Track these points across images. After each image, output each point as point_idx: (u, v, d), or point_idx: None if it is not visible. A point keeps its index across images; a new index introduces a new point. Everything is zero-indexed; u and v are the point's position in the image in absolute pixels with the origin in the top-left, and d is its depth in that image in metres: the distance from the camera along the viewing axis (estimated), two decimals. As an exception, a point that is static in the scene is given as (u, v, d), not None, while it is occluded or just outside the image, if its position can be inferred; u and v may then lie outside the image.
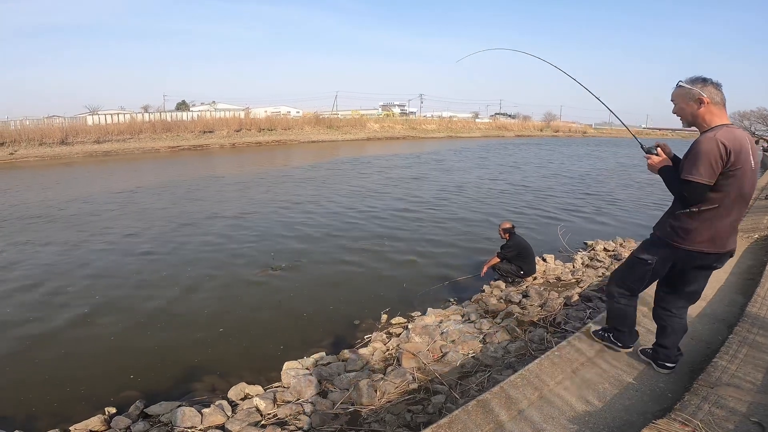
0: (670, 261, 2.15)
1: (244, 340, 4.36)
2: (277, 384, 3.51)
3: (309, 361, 3.82)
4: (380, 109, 74.83)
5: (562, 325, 3.85)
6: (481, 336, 3.92)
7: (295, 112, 53.59)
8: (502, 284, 5.44)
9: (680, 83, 2.07)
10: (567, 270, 5.85)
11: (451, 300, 5.21)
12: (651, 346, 2.47)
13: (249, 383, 3.49)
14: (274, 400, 3.20)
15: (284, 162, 21.01)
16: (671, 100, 2.13)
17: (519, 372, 2.20)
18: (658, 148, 2.18)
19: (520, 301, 4.72)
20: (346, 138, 38.36)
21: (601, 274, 5.58)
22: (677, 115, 2.12)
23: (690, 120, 2.07)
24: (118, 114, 33.53)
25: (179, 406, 3.20)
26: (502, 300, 4.89)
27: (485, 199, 11.68)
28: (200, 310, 4.98)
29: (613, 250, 6.76)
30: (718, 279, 3.73)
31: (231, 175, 15.86)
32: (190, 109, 46.47)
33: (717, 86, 2.01)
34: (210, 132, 30.50)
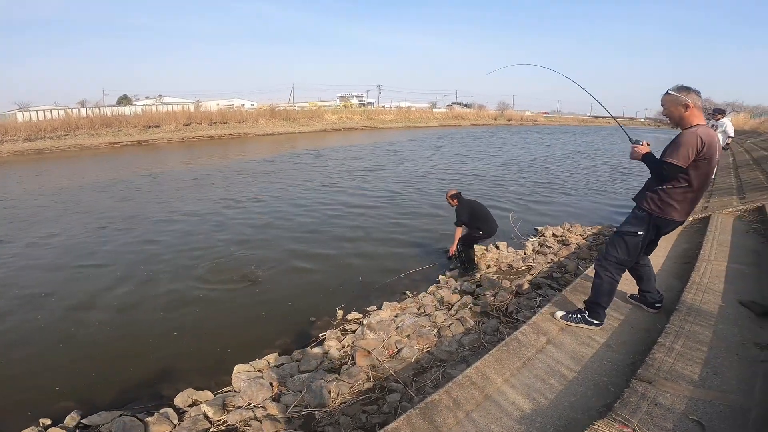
0: (652, 229, 2.58)
1: (193, 344, 4.15)
2: (227, 388, 3.37)
3: (261, 363, 3.69)
4: (338, 100, 73.91)
5: (514, 315, 3.90)
6: (436, 330, 3.91)
7: (249, 104, 51.89)
8: (457, 274, 5.48)
9: (669, 91, 2.53)
10: (519, 257, 5.98)
11: (408, 292, 5.17)
12: (638, 293, 3.06)
13: (197, 389, 3.33)
14: (224, 406, 3.07)
15: (237, 156, 20.21)
16: (661, 105, 2.58)
17: (466, 371, 2.17)
18: (642, 142, 2.68)
19: (473, 291, 4.76)
20: (303, 130, 37.52)
21: (550, 261, 5.74)
22: (666, 117, 2.58)
23: (677, 121, 2.52)
24: (51, 110, 31.04)
25: (121, 415, 3.03)
26: (456, 290, 4.92)
27: (439, 190, 11.77)
28: (143, 316, 4.70)
29: (561, 236, 7.00)
30: (655, 264, 3.83)
31: (178, 171, 15.03)
32: (134, 103, 43.83)
33: (698, 93, 2.48)
34: (156, 126, 28.81)
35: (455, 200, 5.67)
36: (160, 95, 53.77)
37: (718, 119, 8.34)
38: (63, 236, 7.48)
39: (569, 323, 2.77)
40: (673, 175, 2.44)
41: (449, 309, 4.41)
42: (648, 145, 2.68)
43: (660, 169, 2.48)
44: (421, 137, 33.38)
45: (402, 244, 7.06)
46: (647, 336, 2.57)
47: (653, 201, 2.56)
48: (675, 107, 2.50)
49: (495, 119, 72.64)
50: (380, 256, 6.49)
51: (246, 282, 5.53)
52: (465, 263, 5.59)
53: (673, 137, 2.55)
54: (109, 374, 3.70)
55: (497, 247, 6.40)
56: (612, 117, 3.46)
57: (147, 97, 54.35)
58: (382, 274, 5.78)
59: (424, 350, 3.61)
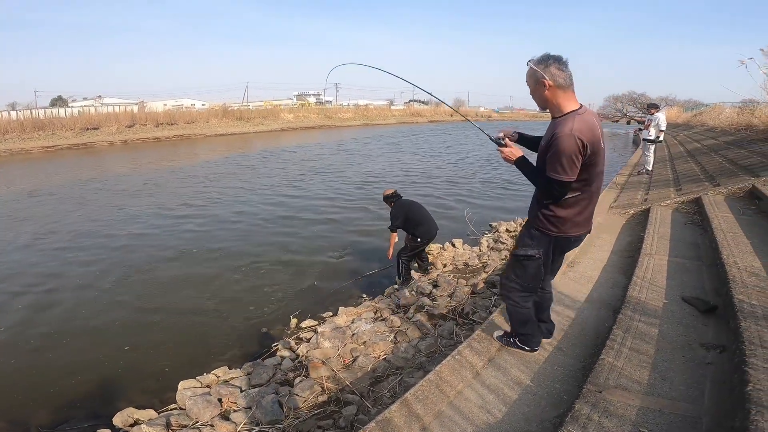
0: (555, 249, 2.14)
1: (135, 359, 3.92)
2: (172, 406, 3.18)
3: (209, 378, 3.50)
4: (295, 98, 72.75)
5: (470, 316, 3.88)
6: (392, 335, 3.83)
7: (200, 104, 50.01)
8: (414, 275, 5.41)
9: (528, 63, 1.93)
10: (474, 254, 6.01)
11: (364, 296, 5.08)
12: None
13: (139, 407, 3.13)
14: (168, 426, 2.87)
15: (183, 159, 19.19)
16: (526, 82, 2.00)
17: (420, 383, 2.08)
18: (505, 138, 2.14)
19: (430, 293, 4.72)
20: (259, 130, 36.51)
21: (504, 257, 5.81)
22: (532, 98, 2.02)
23: (541, 104, 1.99)
24: (-22, 114, 28.37)
25: (51, 438, 2.81)
26: (413, 292, 4.86)
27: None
28: (80, 330, 4.43)
29: (514, 231, 7.13)
30: (600, 258, 3.96)
31: (114, 176, 13.96)
32: (70, 104, 41.01)
33: (560, 66, 1.87)
34: (95, 129, 26.95)
35: (391, 203, 5.19)
36: (99, 96, 50.85)
37: (653, 113, 8.81)
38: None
39: (503, 344, 2.49)
40: (565, 191, 1.94)
41: (405, 312, 4.34)
42: (512, 138, 2.17)
43: (546, 186, 1.97)
44: (380, 135, 33.40)
45: (358, 245, 6.94)
46: (596, 338, 2.57)
47: (548, 219, 2.06)
48: (534, 86, 1.94)
49: (451, 116, 74.05)
50: (336, 259, 6.35)
51: (191, 292, 5.23)
52: (402, 277, 5.22)
53: (547, 133, 1.99)
54: (43, 392, 3.48)
55: (453, 245, 6.42)
56: (456, 111, 2.96)
57: (85, 98, 51.19)
58: (339, 278, 5.65)
59: (381, 358, 3.52)
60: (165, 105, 42.58)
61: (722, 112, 19.99)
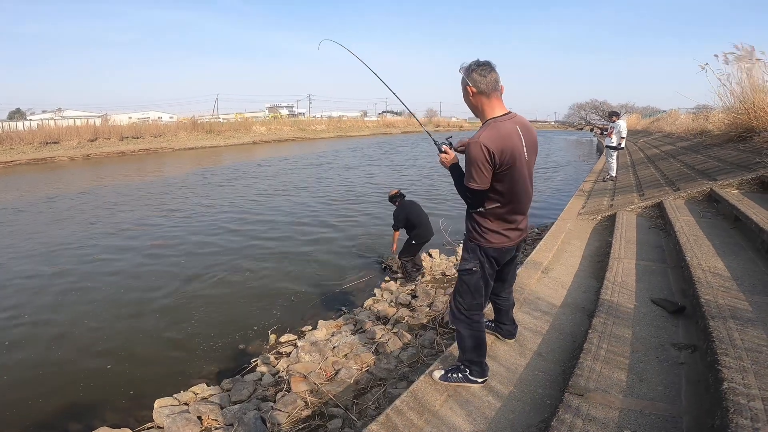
0: (489, 260, 2.06)
1: (108, 378, 3.81)
2: (149, 425, 3.10)
3: (187, 395, 3.42)
4: (267, 111, 72.21)
5: (450, 325, 3.93)
6: (374, 347, 3.82)
7: (168, 117, 48.88)
8: (393, 286, 5.44)
9: (460, 70, 1.92)
10: (451, 264, 6.09)
11: (343, 309, 5.06)
12: (492, 322, 2.64)
13: (113, 426, 3.04)
14: None
15: (150, 174, 18.55)
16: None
17: (403, 395, 2.09)
18: (446, 146, 2.10)
19: (409, 303, 4.75)
20: (230, 143, 35.85)
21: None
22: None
23: (471, 110, 1.97)
24: (-69, 129, 26.70)
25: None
26: (392, 303, 4.88)
27: (369, 201, 11.73)
28: (46, 350, 4.29)
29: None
30: (573, 264, 4.09)
31: (76, 193, 13.33)
32: (28, 117, 39.33)
33: (483, 72, 1.84)
34: (55, 143, 25.84)
35: (394, 201, 5.72)
36: (59, 108, 49.00)
37: (614, 121, 9.19)
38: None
39: (450, 383, 2.20)
40: (478, 200, 1.95)
41: (386, 323, 4.34)
42: (454, 150, 2.11)
43: (463, 193, 1.98)
44: (354, 147, 33.45)
45: (335, 257, 6.91)
46: (573, 342, 2.64)
47: (476, 230, 2.03)
48: (463, 93, 1.92)
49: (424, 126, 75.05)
50: (313, 272, 6.29)
51: (163, 310, 5.08)
52: (405, 275, 5.56)
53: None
54: (14, 412, 3.38)
55: (430, 255, 6.48)
56: (416, 119, 3.06)
57: (44, 111, 49.21)
58: (316, 291, 5.61)
59: (363, 370, 3.50)
60: (130, 118, 41.43)
61: (678, 118, 20.91)
